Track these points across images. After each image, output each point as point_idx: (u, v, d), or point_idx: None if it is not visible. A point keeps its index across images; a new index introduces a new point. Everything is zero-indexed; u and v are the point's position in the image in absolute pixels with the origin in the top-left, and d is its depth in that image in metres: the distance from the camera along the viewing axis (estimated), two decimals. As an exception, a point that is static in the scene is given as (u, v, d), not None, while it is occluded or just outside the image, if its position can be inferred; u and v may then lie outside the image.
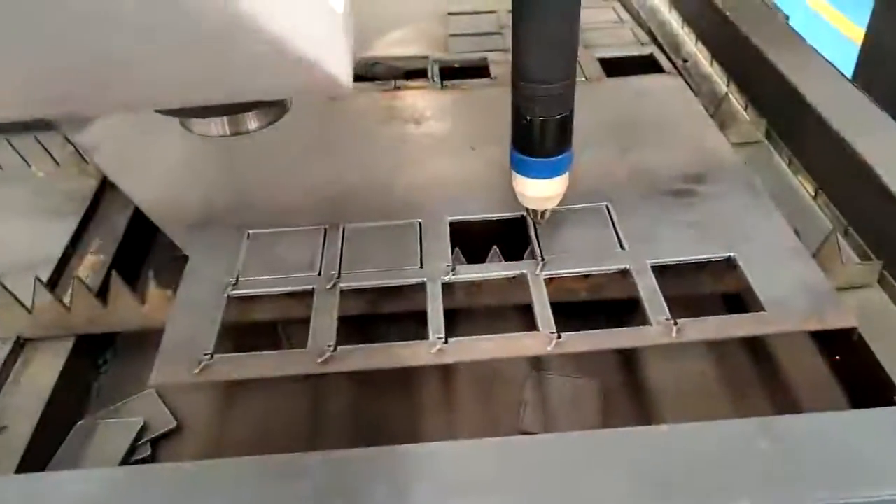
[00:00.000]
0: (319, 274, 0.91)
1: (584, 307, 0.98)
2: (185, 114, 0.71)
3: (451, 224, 0.99)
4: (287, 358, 0.81)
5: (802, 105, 1.17)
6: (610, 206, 1.00)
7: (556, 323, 0.84)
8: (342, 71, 0.46)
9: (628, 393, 0.96)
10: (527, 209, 0.91)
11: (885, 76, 1.85)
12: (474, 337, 0.82)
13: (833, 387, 0.93)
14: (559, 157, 0.81)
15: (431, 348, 0.81)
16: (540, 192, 0.84)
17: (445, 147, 1.17)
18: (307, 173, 1.11)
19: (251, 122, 0.77)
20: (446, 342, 0.81)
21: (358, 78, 1.41)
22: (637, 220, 0.97)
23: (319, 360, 0.79)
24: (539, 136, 0.79)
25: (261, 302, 0.93)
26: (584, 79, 1.33)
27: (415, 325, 0.88)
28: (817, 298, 0.84)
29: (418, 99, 1.30)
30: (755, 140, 1.28)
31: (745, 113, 1.34)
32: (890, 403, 0.84)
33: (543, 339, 0.81)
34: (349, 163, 1.13)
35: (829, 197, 1.11)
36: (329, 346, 0.81)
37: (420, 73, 1.41)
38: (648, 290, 0.85)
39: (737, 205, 0.99)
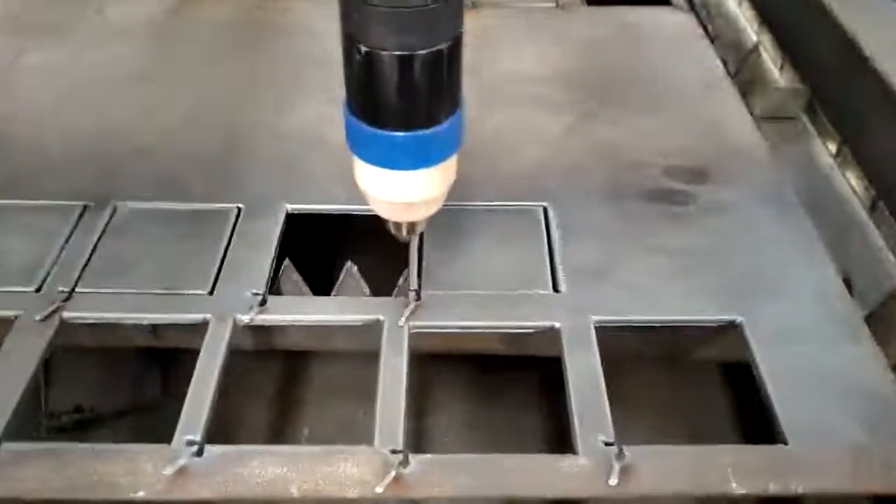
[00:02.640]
0: (39, 290, 0.55)
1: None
2: None
3: (290, 216, 0.63)
4: None
5: (864, 71, 0.82)
6: (549, 210, 0.64)
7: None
8: None
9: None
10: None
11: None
12: (251, 461, 0.45)
13: None
14: (429, 130, 0.42)
15: (169, 467, 0.44)
16: (394, 193, 0.45)
17: (314, 88, 0.83)
18: (95, 114, 0.77)
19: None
20: (201, 454, 0.44)
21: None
22: (589, 237, 0.65)
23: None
24: (389, 88, 0.40)
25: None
26: (552, 4, 1.02)
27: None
28: (876, 421, 0.47)
29: (301, 12, 0.94)
30: (789, 115, 0.99)
31: (779, 75, 1.02)
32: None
33: (374, 467, 0.44)
34: (167, 102, 0.80)
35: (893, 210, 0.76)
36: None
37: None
38: (583, 378, 0.48)
39: (755, 223, 0.68)
